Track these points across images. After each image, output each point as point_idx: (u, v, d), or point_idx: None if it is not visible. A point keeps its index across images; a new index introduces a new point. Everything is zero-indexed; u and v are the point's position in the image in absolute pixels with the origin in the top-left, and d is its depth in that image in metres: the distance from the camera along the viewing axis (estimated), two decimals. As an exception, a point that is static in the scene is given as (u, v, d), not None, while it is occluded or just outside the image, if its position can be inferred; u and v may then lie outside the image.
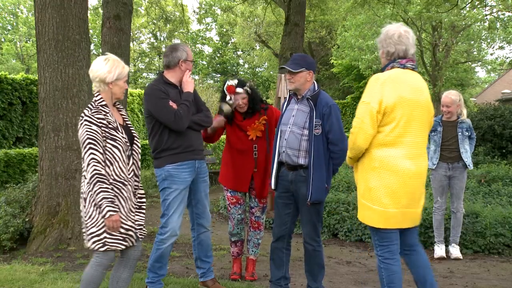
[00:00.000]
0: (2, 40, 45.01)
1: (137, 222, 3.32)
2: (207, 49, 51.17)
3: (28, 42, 44.05)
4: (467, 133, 5.58)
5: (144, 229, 3.38)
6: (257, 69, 48.97)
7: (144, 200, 3.40)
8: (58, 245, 5.76)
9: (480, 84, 46.04)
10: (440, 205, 5.70)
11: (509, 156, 10.60)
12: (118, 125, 3.22)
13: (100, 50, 9.37)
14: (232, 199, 4.63)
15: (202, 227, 4.17)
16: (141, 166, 13.91)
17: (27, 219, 5.96)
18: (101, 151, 3.09)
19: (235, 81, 4.49)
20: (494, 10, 23.40)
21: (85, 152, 3.08)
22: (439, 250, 5.67)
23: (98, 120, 3.11)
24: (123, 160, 3.20)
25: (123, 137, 3.20)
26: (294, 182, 3.78)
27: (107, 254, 3.20)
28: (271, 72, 41.44)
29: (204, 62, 49.38)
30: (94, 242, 3.15)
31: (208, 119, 4.06)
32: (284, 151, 3.78)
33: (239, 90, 4.46)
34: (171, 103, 3.80)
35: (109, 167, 3.12)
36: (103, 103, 3.21)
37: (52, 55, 5.88)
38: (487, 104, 12.38)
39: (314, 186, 3.64)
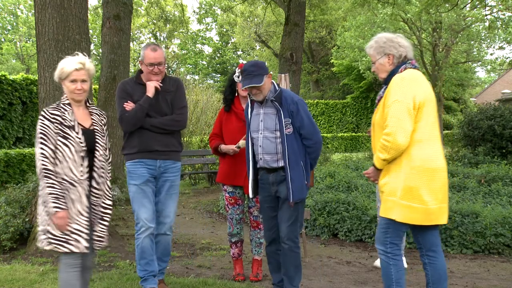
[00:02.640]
0: (2, 40, 45.01)
1: (96, 233, 3.21)
2: (207, 49, 51.17)
3: (28, 42, 44.05)
4: None
5: (104, 241, 3.26)
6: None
7: (108, 212, 3.30)
8: (58, 245, 5.76)
9: (480, 84, 46.03)
10: None
11: (509, 156, 10.60)
12: (77, 125, 3.17)
13: (100, 50, 9.37)
14: (231, 199, 4.60)
15: (162, 227, 4.09)
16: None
17: (27, 219, 5.96)
18: (52, 147, 3.08)
19: None
20: (494, 10, 23.39)
21: (36, 147, 3.09)
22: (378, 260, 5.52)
23: (52, 116, 3.14)
24: (74, 160, 3.12)
25: (77, 137, 3.13)
26: (275, 183, 3.76)
27: (69, 254, 3.09)
28: (271, 72, 41.29)
29: (204, 62, 49.40)
30: (41, 240, 3.11)
31: (175, 122, 4.00)
32: (261, 158, 3.76)
33: None
34: (126, 104, 3.90)
35: (57, 165, 3.08)
36: (66, 101, 3.25)
37: (52, 55, 5.87)
38: (487, 104, 12.37)
39: (294, 186, 3.62)
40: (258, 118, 3.77)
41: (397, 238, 3.11)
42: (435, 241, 3.26)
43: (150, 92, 3.92)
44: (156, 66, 3.96)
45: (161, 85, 4.00)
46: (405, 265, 5.24)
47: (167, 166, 4.01)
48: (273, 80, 3.76)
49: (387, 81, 3.17)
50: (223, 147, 4.47)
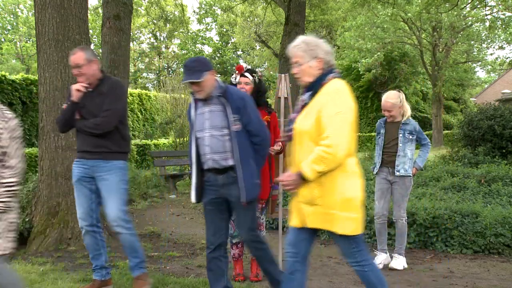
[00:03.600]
0: (2, 40, 45.02)
1: None
2: (207, 49, 51.18)
3: (28, 42, 44.07)
4: (410, 136, 5.13)
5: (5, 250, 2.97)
6: (257, 69, 48.93)
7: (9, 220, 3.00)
8: (58, 245, 5.76)
9: (480, 84, 46.04)
10: (378, 211, 5.26)
11: (509, 156, 10.59)
12: None
13: (100, 50, 9.38)
14: None
15: (113, 224, 4.07)
16: (141, 166, 13.96)
17: (27, 219, 5.96)
18: None
19: (248, 66, 4.56)
20: (494, 10, 23.39)
21: None
22: (376, 258, 5.25)
23: None
24: None
25: None
26: (225, 185, 3.55)
27: None
28: (271, 72, 41.41)
29: (204, 62, 49.31)
30: None
31: (95, 126, 4.01)
32: (209, 158, 3.54)
33: (247, 74, 4.47)
34: (64, 106, 4.13)
35: None
36: None
37: (52, 55, 5.88)
38: (487, 104, 12.37)
39: (247, 184, 3.45)
40: (203, 117, 3.55)
41: (361, 244, 3.01)
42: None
43: (73, 96, 4.04)
44: (76, 69, 4.03)
45: (87, 86, 4.05)
46: (405, 265, 5.24)
47: (99, 165, 4.07)
48: (217, 78, 3.61)
49: (312, 86, 3.01)
50: None
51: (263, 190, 4.50)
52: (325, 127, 2.84)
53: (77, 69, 4.03)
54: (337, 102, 2.87)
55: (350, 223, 2.90)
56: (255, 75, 4.49)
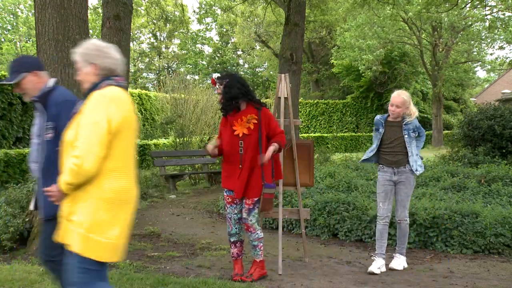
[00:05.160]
0: (2, 40, 45.00)
1: None
2: (207, 49, 51.18)
3: (28, 42, 44.04)
4: (414, 135, 5.14)
5: None
6: (257, 69, 48.97)
7: None
8: (58, 245, 5.76)
9: (480, 84, 46.06)
10: (382, 212, 5.16)
11: (509, 156, 10.59)
12: None
13: (100, 50, 9.34)
14: (228, 198, 4.65)
15: None
16: (141, 166, 13.99)
17: (27, 219, 5.96)
18: None
19: (217, 75, 4.74)
20: (494, 10, 23.39)
21: None
22: (374, 264, 5.09)
23: None
24: None
25: None
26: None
27: None
28: (271, 72, 41.41)
29: (204, 62, 49.39)
30: None
31: None
32: (33, 167, 3.29)
33: (218, 85, 4.67)
34: None
35: None
36: None
37: (52, 55, 5.88)
38: (487, 104, 12.36)
39: (45, 200, 3.00)
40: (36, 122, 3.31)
41: (102, 277, 2.72)
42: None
43: None
44: None
45: None
46: (405, 265, 5.24)
47: None
48: (49, 80, 3.33)
49: (87, 93, 2.78)
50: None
51: (248, 188, 4.50)
52: (78, 137, 2.62)
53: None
54: (93, 111, 2.64)
55: (97, 247, 2.63)
56: (222, 83, 4.62)
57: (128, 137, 2.74)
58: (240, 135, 4.54)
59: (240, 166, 4.52)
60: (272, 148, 4.48)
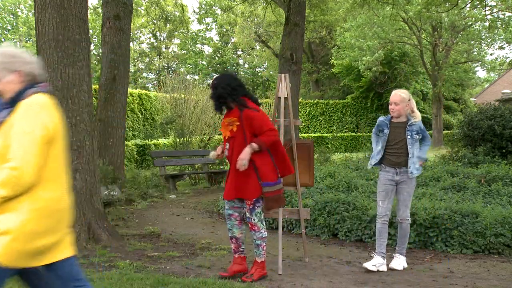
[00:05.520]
0: (2, 40, 45.00)
1: None
2: (207, 49, 51.18)
3: (28, 42, 44.05)
4: (417, 136, 5.12)
5: None
6: (257, 69, 48.99)
7: None
8: (58, 245, 5.76)
9: (480, 84, 46.06)
10: (381, 211, 5.17)
11: (509, 156, 10.59)
12: None
13: (100, 50, 9.38)
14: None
15: None
16: (141, 166, 14.00)
17: None
18: None
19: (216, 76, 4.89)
20: (494, 10, 23.40)
21: None
22: (371, 261, 5.12)
23: None
24: None
25: None
26: None
27: None
28: (271, 72, 41.41)
29: (204, 62, 49.41)
30: None
31: None
32: None
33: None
34: None
35: None
36: None
37: (52, 55, 5.88)
38: (487, 104, 12.36)
39: None
40: None
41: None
42: (74, 270, 2.76)
43: None
44: None
45: None
46: (405, 265, 5.24)
47: None
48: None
49: (12, 102, 2.66)
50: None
51: (247, 191, 4.51)
52: (11, 147, 2.53)
53: None
54: (26, 120, 2.57)
55: (18, 255, 2.51)
56: (211, 84, 4.77)
57: (59, 145, 2.69)
58: (226, 137, 4.61)
59: (228, 167, 4.65)
60: (247, 149, 4.41)
